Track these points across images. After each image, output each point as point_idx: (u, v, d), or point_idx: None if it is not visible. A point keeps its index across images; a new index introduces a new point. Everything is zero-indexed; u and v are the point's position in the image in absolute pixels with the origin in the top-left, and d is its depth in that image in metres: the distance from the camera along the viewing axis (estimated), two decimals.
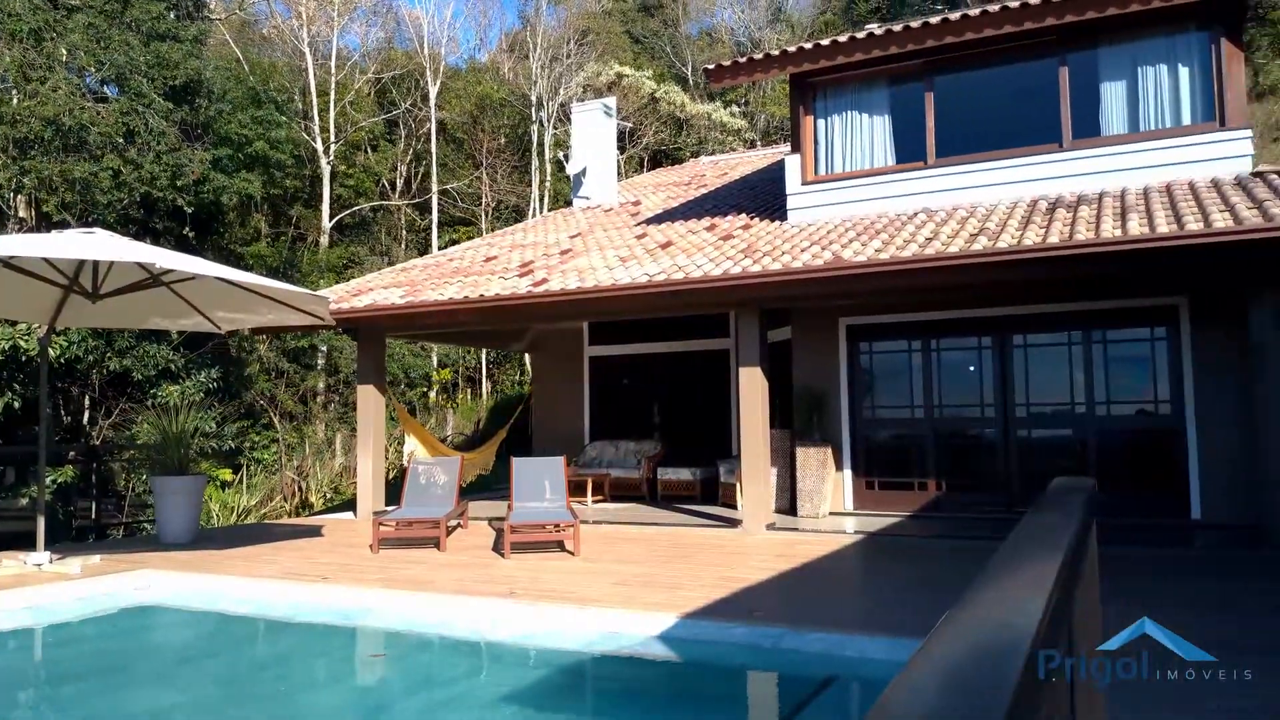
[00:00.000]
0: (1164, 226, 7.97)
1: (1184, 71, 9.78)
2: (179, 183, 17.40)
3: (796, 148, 11.59)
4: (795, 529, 9.93)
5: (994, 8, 10.11)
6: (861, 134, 11.35)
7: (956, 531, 9.50)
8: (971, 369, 10.81)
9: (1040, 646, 0.86)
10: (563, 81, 33.24)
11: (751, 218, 12.33)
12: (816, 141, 11.59)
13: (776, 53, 11.30)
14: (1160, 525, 9.33)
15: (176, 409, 11.40)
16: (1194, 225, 7.83)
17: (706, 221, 12.78)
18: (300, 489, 16.67)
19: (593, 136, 17.19)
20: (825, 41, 11.03)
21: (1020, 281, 8.96)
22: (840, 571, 8.04)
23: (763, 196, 13.73)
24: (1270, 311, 7.96)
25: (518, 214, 32.18)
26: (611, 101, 18.16)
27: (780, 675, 5.76)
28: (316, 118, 27.74)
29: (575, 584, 7.33)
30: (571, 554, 8.61)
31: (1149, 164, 9.74)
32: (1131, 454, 10.04)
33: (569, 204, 20.07)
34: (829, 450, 10.80)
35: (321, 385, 24.15)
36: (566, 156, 21.03)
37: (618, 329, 14.66)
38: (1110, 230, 8.20)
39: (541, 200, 31.93)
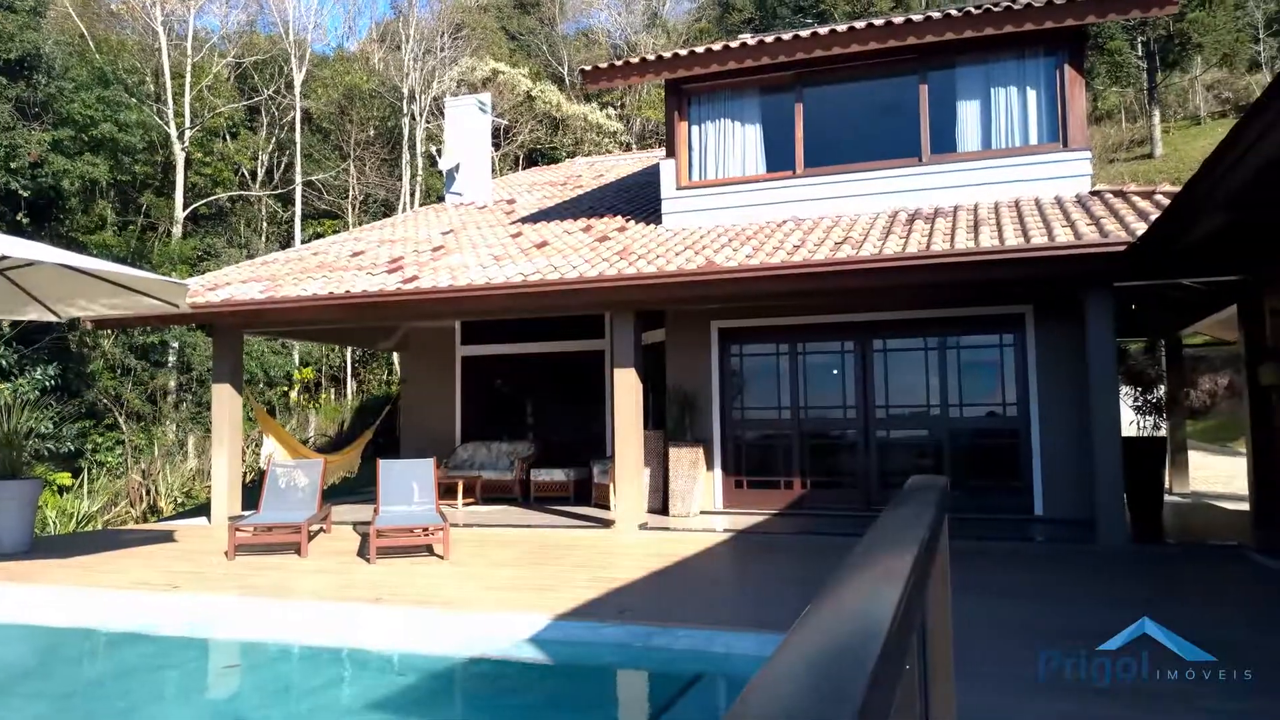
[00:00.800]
0: (1012, 239, 8.49)
1: (1032, 94, 10.44)
2: (13, 164, 16.13)
3: (671, 153, 11.74)
4: (667, 528, 10.05)
5: (860, 25, 10.53)
6: (734, 142, 11.60)
7: (820, 528, 9.82)
8: (835, 372, 11.21)
9: (895, 635, 0.90)
10: (436, 75, 32.60)
11: (627, 220, 12.41)
12: (691, 147, 11.77)
13: (652, 57, 11.41)
14: (1007, 520, 9.91)
15: (8, 408, 10.54)
16: (1039, 239, 8.38)
17: (582, 223, 12.79)
18: (148, 493, 15.71)
19: (467, 132, 16.92)
20: (700, 49, 11.21)
21: (881, 288, 9.35)
22: (710, 569, 8.18)
23: (638, 199, 13.84)
24: (1103, 320, 8.58)
25: (387, 208, 31.36)
26: (486, 98, 17.93)
27: (650, 674, 5.81)
28: (170, 101, 26.24)
29: (445, 588, 7.19)
30: (441, 558, 8.44)
31: (1000, 180, 10.35)
32: (982, 453, 10.63)
33: (441, 200, 19.69)
34: (700, 450, 10.98)
35: (173, 384, 22.85)
36: (439, 151, 20.61)
37: (492, 329, 14.47)
38: (964, 242, 8.67)
39: (412, 195, 31.21)
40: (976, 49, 10.51)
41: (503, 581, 7.38)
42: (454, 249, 12.19)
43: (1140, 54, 38.30)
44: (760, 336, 11.44)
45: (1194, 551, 8.36)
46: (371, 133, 32.60)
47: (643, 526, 10.03)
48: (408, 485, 9.55)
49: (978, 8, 10.13)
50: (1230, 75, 41.51)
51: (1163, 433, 11.24)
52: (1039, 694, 4.27)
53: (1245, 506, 10.48)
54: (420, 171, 31.53)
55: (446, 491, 12.11)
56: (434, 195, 30.23)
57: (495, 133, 29.50)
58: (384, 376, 26.09)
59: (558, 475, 12.99)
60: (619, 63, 11.47)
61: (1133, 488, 9.58)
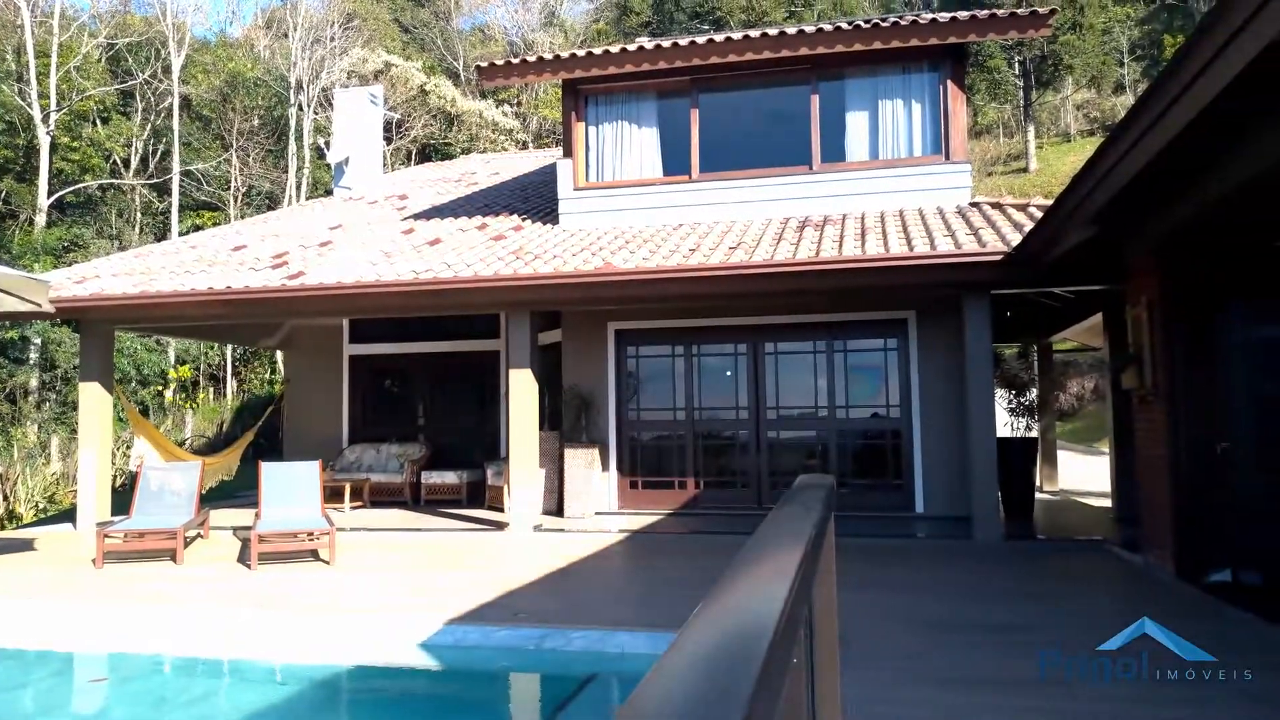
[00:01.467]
0: (897, 248, 8.81)
1: (917, 108, 10.85)
2: None
3: (568, 153, 11.71)
4: (562, 530, 10.01)
5: (755, 34, 10.73)
6: (632, 144, 11.66)
7: (713, 527, 9.96)
8: (728, 374, 11.38)
9: (783, 631, 0.91)
10: (326, 65, 31.64)
11: (523, 219, 12.32)
12: (588, 148, 11.76)
13: (550, 57, 11.36)
14: (889, 518, 10.26)
15: None
16: (922, 248, 8.72)
17: (478, 220, 12.62)
18: (5, 498, 14.69)
19: (357, 124, 16.48)
20: (598, 50, 11.22)
21: (773, 292, 9.55)
22: (604, 570, 8.19)
23: (535, 199, 13.75)
24: (980, 326, 8.99)
25: (271, 201, 30.26)
26: (378, 90, 17.51)
27: (544, 675, 5.78)
28: (34, 81, 24.63)
29: (330, 594, 6.97)
30: (327, 563, 8.19)
31: (886, 190, 10.71)
32: (866, 453, 10.98)
33: (329, 193, 19.14)
34: (596, 451, 10.98)
35: (34, 382, 21.46)
36: (328, 143, 20.00)
37: (381, 327, 14.12)
38: (852, 249, 8.95)
39: (299, 188, 30.20)
40: (865, 62, 10.85)
41: (392, 586, 7.22)
42: (343, 244, 11.85)
43: (1017, 73, 40.31)
44: (656, 338, 11.53)
45: (1062, 546, 8.84)
46: (256, 122, 31.37)
47: (537, 528, 9.97)
48: (291, 488, 9.22)
49: (867, 22, 10.47)
50: (1098, 96, 44.14)
51: (1034, 434, 11.84)
52: (924, 683, 4.44)
53: (1108, 503, 11.14)
54: (307, 164, 30.54)
55: (333, 495, 11.76)
56: (322, 189, 29.35)
57: (387, 126, 28.84)
58: (267, 375, 25.14)
59: (450, 478, 12.77)
60: (516, 60, 11.38)
61: (1006, 486, 10.06)
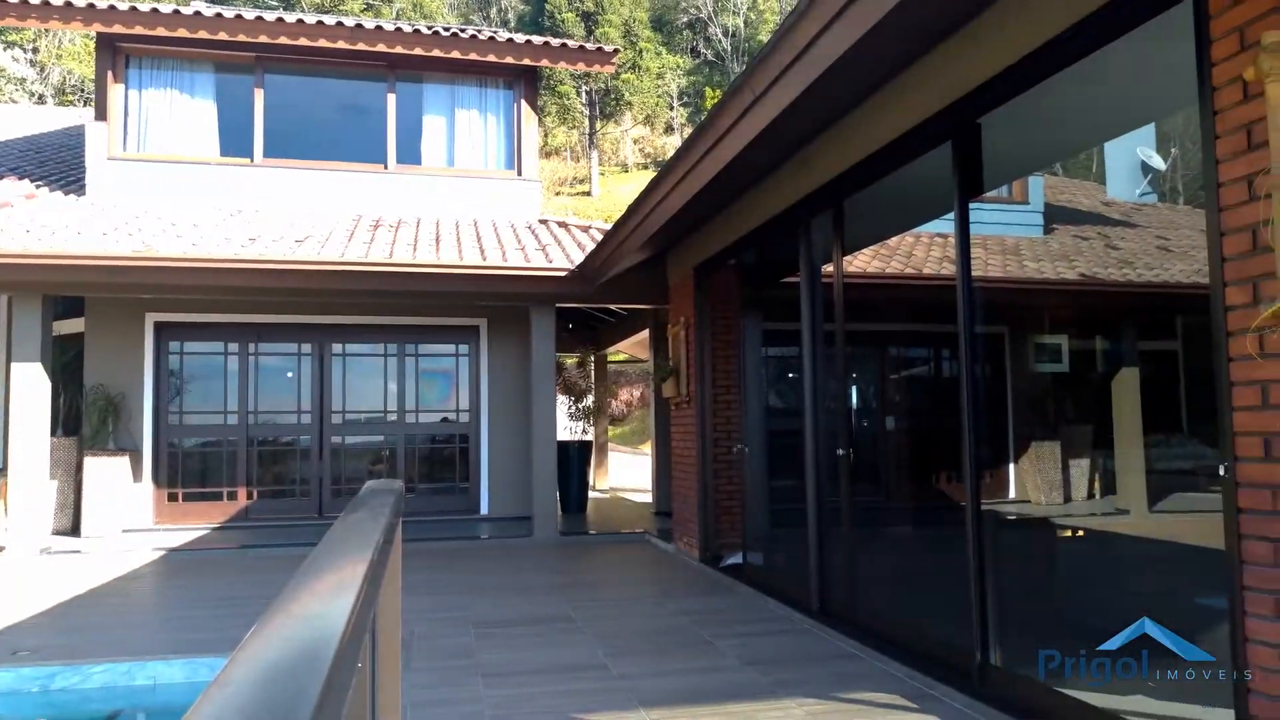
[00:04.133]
0: (471, 257, 9.01)
1: (492, 121, 11.19)
2: None
3: (102, 116, 10.21)
4: (80, 551, 8.65)
5: (330, 20, 10.29)
6: (184, 116, 10.49)
7: (268, 540, 9.28)
8: (290, 375, 10.72)
9: (349, 639, 0.89)
10: None
11: (39, 185, 10.46)
12: (128, 113, 10.35)
13: (82, 3, 9.81)
14: (456, 520, 10.40)
15: None
16: (494, 258, 9.01)
17: None
18: None
19: None
20: (144, 6, 9.95)
21: (343, 291, 9.21)
22: (134, 593, 7.23)
23: (54, 164, 11.77)
24: (545, 336, 9.53)
25: None
26: None
27: None
28: None
29: None
30: None
31: (461, 198, 10.89)
32: (436, 457, 11.04)
33: None
34: (126, 460, 9.64)
35: None
36: None
37: None
38: (427, 254, 8.96)
39: None
40: (444, 69, 10.95)
41: None
42: None
43: (584, 102, 43.47)
44: (207, 334, 10.47)
45: (610, 540, 9.67)
46: None
47: (46, 551, 8.51)
48: None
49: (446, 30, 10.58)
50: (652, 133, 49.22)
51: (590, 437, 12.82)
52: (474, 678, 4.55)
53: (650, 499, 12.43)
54: None
55: None
56: None
57: None
58: None
59: None
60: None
61: (564, 486, 10.77)
